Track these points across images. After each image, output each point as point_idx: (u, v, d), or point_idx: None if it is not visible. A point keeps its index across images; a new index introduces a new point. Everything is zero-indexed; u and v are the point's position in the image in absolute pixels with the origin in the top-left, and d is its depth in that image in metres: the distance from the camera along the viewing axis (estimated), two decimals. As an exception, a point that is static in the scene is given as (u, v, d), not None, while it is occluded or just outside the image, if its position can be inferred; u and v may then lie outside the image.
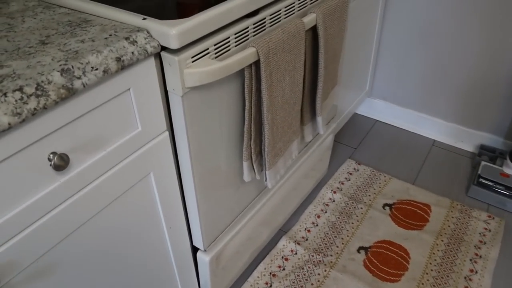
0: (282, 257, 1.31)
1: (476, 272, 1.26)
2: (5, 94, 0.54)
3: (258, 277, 1.26)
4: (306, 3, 0.97)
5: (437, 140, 1.81)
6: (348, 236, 1.38)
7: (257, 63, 0.81)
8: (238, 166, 0.98)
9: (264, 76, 0.81)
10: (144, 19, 0.69)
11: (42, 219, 0.63)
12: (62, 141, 0.62)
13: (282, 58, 0.85)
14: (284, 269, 1.28)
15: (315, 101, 1.08)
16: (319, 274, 1.26)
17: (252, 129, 0.88)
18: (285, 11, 0.90)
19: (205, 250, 1.00)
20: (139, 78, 0.69)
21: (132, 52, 0.65)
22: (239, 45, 0.81)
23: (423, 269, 1.27)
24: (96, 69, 0.61)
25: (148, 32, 0.68)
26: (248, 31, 0.81)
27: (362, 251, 1.33)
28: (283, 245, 1.34)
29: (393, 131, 1.86)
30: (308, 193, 1.50)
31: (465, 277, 1.25)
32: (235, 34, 0.78)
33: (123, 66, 0.64)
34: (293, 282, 1.24)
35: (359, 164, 1.67)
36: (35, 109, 0.55)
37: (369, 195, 1.52)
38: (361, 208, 1.47)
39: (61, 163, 0.61)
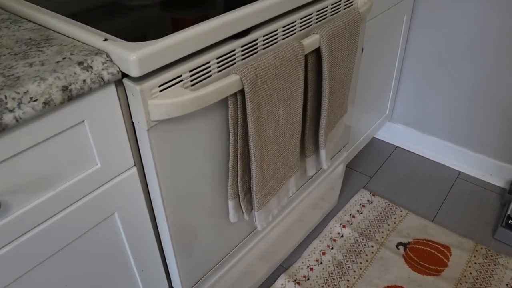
0: (279, 298, 1.19)
1: (500, 332, 1.10)
2: None
3: (250, 320, 1.14)
4: (311, 21, 0.86)
5: (462, 172, 1.64)
6: (354, 278, 1.24)
7: (242, 92, 0.70)
8: (224, 204, 0.87)
9: (251, 108, 0.70)
10: (105, 40, 0.59)
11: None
12: (-9, 183, 0.53)
13: (274, 86, 0.73)
14: (280, 312, 1.15)
15: (319, 132, 0.95)
16: (318, 321, 1.12)
17: (238, 165, 0.77)
18: (284, 31, 0.79)
19: (184, 295, 0.89)
20: (95, 109, 0.59)
21: (84, 80, 0.55)
22: (223, 71, 0.70)
23: (438, 323, 1.12)
24: (35, 100, 0.52)
25: (108, 56, 0.58)
26: (235, 55, 0.70)
27: (369, 297, 1.19)
28: (282, 285, 1.22)
29: (414, 160, 1.70)
30: (315, 225, 1.38)
31: (486, 337, 1.09)
32: (218, 58, 0.67)
33: (70, 96, 0.54)
34: (289, 329, 1.11)
35: (373, 195, 1.52)
36: None
37: (382, 232, 1.38)
38: (372, 246, 1.33)
39: (-14, 209, 0.51)
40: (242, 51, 0.71)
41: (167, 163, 0.68)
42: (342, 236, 1.37)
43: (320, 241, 1.35)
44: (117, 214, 0.70)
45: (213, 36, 0.65)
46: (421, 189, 1.56)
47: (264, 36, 0.75)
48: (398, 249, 1.32)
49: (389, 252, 1.31)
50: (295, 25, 0.81)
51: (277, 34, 0.78)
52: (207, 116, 0.71)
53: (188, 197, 0.77)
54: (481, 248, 1.32)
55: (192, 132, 0.70)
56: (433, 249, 1.32)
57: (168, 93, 0.61)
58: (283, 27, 0.79)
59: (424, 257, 1.30)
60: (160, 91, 0.61)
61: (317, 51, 0.86)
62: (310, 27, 0.86)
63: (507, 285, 1.22)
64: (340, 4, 0.92)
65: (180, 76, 0.63)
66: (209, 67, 0.67)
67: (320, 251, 1.32)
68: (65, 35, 0.65)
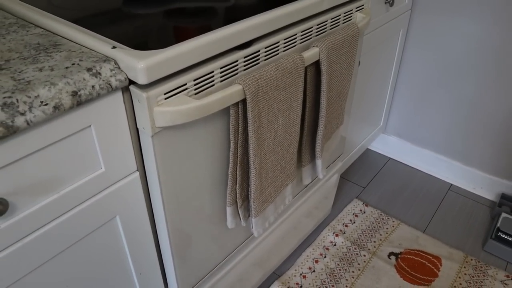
0: (272, 305, 1.20)
1: None
2: None
3: (243, 326, 1.15)
4: (311, 34, 0.88)
5: (454, 184, 1.67)
6: (347, 286, 1.25)
7: (244, 101, 0.72)
8: (222, 210, 0.88)
9: (252, 117, 0.72)
10: (113, 47, 0.61)
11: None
12: (0, 183, 0.54)
13: (274, 97, 0.75)
14: (272, 319, 1.16)
15: (315, 142, 0.98)
16: (310, 328, 1.14)
17: (238, 172, 0.79)
18: (285, 43, 0.81)
19: (180, 299, 0.90)
20: (102, 114, 0.61)
21: (93, 86, 0.57)
22: (226, 80, 0.72)
23: (428, 333, 1.14)
24: (46, 104, 0.53)
25: (116, 63, 0.60)
26: (237, 65, 0.73)
27: (361, 306, 1.20)
28: (275, 292, 1.23)
29: (407, 171, 1.73)
30: (308, 234, 1.39)
31: None
32: (221, 68, 0.69)
33: (79, 101, 0.56)
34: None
35: (366, 205, 1.55)
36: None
37: (374, 241, 1.40)
38: (364, 255, 1.35)
39: (-5, 209, 0.52)
40: (244, 61, 0.74)
41: (169, 169, 0.70)
42: (335, 245, 1.39)
43: (313, 249, 1.37)
44: (118, 217, 0.72)
45: (217, 47, 0.67)
46: (413, 200, 1.59)
47: (266, 47, 0.77)
48: (390, 258, 1.34)
49: (381, 262, 1.33)
50: (295, 38, 0.84)
51: (278, 46, 0.80)
52: (208, 123, 0.73)
53: (188, 203, 0.78)
54: (471, 260, 1.35)
55: (194, 138, 0.72)
56: (424, 260, 1.34)
57: (173, 101, 0.63)
58: (284, 39, 0.81)
59: (415, 267, 1.32)
60: (165, 98, 0.62)
61: (316, 63, 0.88)
62: (310, 39, 0.89)
63: (495, 296, 1.24)
64: (340, 18, 0.95)
65: (185, 84, 0.64)
66: (213, 76, 0.69)
67: (313, 259, 1.33)
68: (73, 41, 0.67)
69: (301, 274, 1.29)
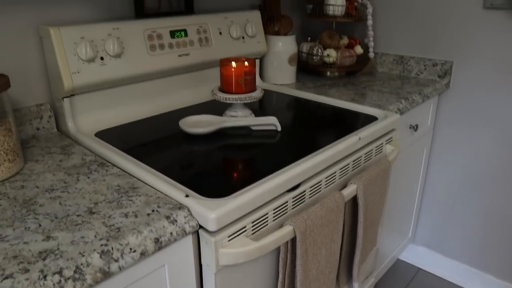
0: None
1: None
2: (45, 277, 0.55)
3: None
4: (348, 170, 0.99)
5: (486, 299, 1.66)
6: None
7: (293, 239, 0.81)
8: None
9: (300, 253, 0.80)
10: (186, 196, 0.72)
11: None
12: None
13: (319, 233, 0.84)
14: None
15: (352, 266, 1.04)
16: None
17: (284, 300, 0.85)
18: (326, 181, 0.92)
19: None
20: (175, 254, 0.70)
21: (171, 233, 0.67)
22: (278, 219, 0.82)
23: None
24: (134, 251, 0.63)
25: (189, 210, 0.71)
26: (287, 205, 0.83)
27: None
28: None
29: (437, 283, 1.74)
30: None
31: None
32: (274, 209, 0.80)
33: (160, 247, 0.66)
34: None
35: (399, 320, 1.54)
36: (68, 296, 0.56)
37: None
38: None
39: None
40: (293, 201, 0.84)
41: (225, 300, 0.77)
42: None
43: None
44: None
45: (273, 193, 0.77)
46: (446, 316, 1.58)
47: (310, 187, 0.88)
48: None
49: None
50: (335, 175, 0.95)
51: (320, 184, 0.91)
52: (260, 260, 0.82)
53: (237, 329, 0.84)
54: None
55: (247, 273, 0.80)
56: None
57: (235, 243, 0.72)
58: (326, 177, 0.92)
59: None
60: (229, 240, 0.72)
61: (354, 197, 0.98)
62: (348, 174, 0.99)
63: None
64: (372, 152, 1.07)
65: (245, 227, 0.74)
66: (267, 217, 0.79)
67: None
68: (148, 185, 0.79)
69: None
